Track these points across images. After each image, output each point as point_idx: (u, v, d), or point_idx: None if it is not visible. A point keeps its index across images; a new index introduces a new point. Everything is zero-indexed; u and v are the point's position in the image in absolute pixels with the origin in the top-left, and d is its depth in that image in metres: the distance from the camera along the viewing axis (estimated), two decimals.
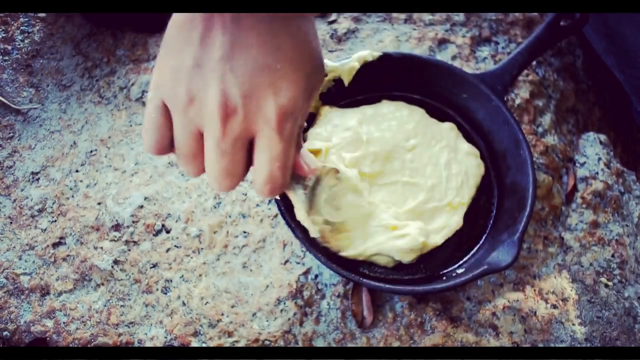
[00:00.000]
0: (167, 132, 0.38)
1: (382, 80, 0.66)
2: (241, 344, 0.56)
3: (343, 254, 0.56)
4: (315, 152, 0.61)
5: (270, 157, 0.37)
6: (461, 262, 0.59)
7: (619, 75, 0.75)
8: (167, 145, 0.38)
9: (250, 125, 0.36)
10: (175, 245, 0.62)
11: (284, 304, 0.58)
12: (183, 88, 0.35)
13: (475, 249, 0.59)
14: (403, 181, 0.61)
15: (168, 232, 0.62)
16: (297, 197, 0.47)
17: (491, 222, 0.61)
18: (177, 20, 0.38)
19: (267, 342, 0.57)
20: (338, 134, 0.61)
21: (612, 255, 0.62)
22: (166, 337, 0.57)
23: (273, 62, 0.35)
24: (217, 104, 0.35)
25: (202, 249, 0.61)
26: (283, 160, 0.37)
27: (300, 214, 0.48)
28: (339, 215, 0.55)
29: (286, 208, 0.56)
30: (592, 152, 0.70)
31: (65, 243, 0.62)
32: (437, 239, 0.58)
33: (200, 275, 0.60)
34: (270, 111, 0.35)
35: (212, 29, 0.35)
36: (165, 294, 0.59)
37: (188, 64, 0.35)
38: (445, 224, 0.59)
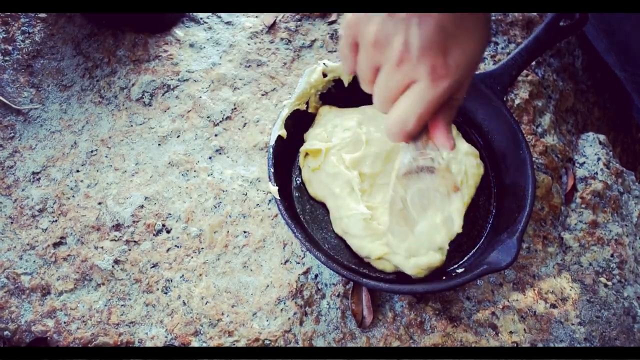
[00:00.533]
0: (355, 62, 0.45)
1: None
2: (241, 344, 0.56)
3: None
4: (315, 152, 0.61)
5: (416, 100, 0.42)
6: (461, 262, 0.59)
7: (620, 73, 0.75)
8: (355, 69, 0.46)
9: (417, 73, 0.41)
10: (175, 245, 0.62)
11: (284, 303, 0.58)
12: (373, 29, 0.42)
13: (475, 249, 0.59)
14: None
15: (168, 232, 0.62)
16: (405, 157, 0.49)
17: (491, 222, 0.61)
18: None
19: (267, 342, 0.57)
20: (338, 134, 0.62)
21: (612, 255, 0.63)
22: (166, 337, 0.57)
23: (452, 27, 0.40)
24: (398, 50, 0.40)
25: (202, 248, 0.62)
26: (423, 110, 0.42)
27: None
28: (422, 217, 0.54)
29: (286, 208, 0.56)
30: (592, 152, 0.70)
31: (65, 243, 0.62)
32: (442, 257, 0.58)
33: (200, 275, 0.60)
34: (437, 67, 0.40)
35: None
36: (166, 293, 0.59)
37: (379, 20, 0.41)
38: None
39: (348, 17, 0.45)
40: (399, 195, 0.51)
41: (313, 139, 0.62)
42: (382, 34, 0.42)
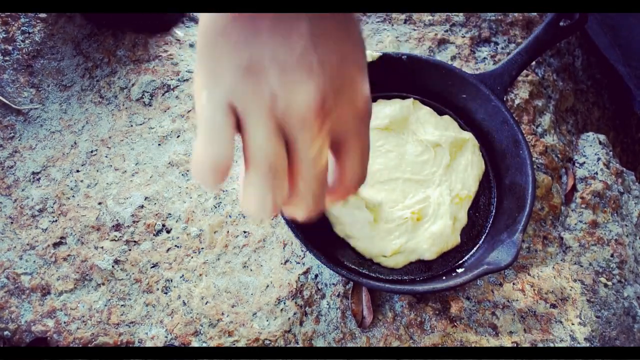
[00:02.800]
0: (232, 142, 0.30)
1: (381, 81, 0.66)
2: (241, 344, 0.57)
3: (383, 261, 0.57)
4: None
5: (362, 151, 0.34)
6: (461, 261, 0.59)
7: (623, 69, 0.74)
8: (231, 160, 0.30)
9: (342, 123, 0.32)
10: (175, 245, 0.62)
11: (284, 303, 0.58)
12: (262, 85, 0.29)
13: (475, 248, 0.59)
14: (404, 178, 0.61)
15: (168, 232, 0.62)
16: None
17: (491, 222, 0.61)
18: (219, 18, 0.30)
19: (267, 342, 0.57)
20: None
21: (612, 255, 0.63)
22: (166, 337, 0.57)
23: (353, 52, 0.32)
24: (314, 101, 0.29)
25: (202, 248, 0.62)
26: (367, 150, 0.35)
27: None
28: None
29: None
30: (592, 152, 0.71)
31: (65, 243, 0.62)
32: (457, 237, 0.59)
33: (200, 275, 0.60)
34: (361, 104, 0.32)
35: (282, 19, 0.29)
36: (166, 293, 0.59)
37: (263, 58, 0.29)
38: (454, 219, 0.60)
39: (202, 77, 0.30)
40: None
41: None
42: (276, 86, 0.29)
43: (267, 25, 0.29)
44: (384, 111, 0.64)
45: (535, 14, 0.80)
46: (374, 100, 0.66)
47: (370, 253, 0.58)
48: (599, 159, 0.69)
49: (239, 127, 0.30)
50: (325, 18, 0.30)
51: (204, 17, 0.30)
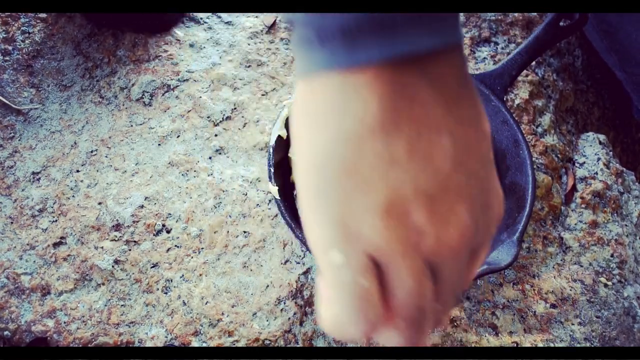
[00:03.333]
0: (381, 301, 0.25)
1: None
2: (241, 344, 0.57)
3: None
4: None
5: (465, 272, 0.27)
6: None
7: (620, 74, 0.75)
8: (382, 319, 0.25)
9: (481, 246, 0.27)
10: (175, 245, 0.62)
11: (284, 303, 0.58)
12: (408, 225, 0.23)
13: None
14: None
15: (168, 232, 0.63)
16: None
17: None
18: (336, 147, 0.23)
19: (267, 342, 0.57)
20: None
21: (612, 255, 0.63)
22: (167, 337, 0.57)
23: (489, 152, 0.26)
24: (467, 229, 0.24)
25: (202, 248, 0.62)
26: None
27: None
28: None
29: (286, 208, 0.56)
30: (592, 152, 0.71)
31: (65, 243, 0.62)
32: None
33: (200, 275, 0.60)
34: (498, 209, 0.27)
35: (422, 136, 0.23)
36: (166, 293, 0.59)
37: (405, 192, 0.23)
38: None
39: (329, 227, 0.24)
40: None
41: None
42: (425, 216, 0.23)
43: (404, 149, 0.22)
44: None
45: (535, 14, 0.80)
46: None
47: None
48: (599, 159, 0.69)
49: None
50: (467, 126, 0.24)
51: (307, 149, 0.25)
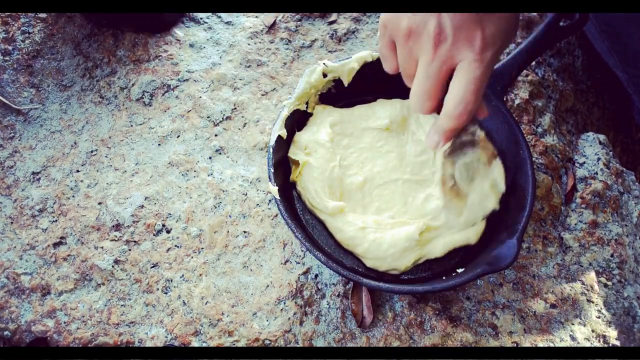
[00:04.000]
0: (395, 60, 0.47)
1: (381, 81, 0.66)
2: (241, 344, 0.57)
3: None
4: (296, 163, 0.61)
5: (468, 78, 0.42)
6: (461, 262, 0.59)
7: (621, 74, 0.75)
8: (396, 67, 0.48)
9: (457, 52, 0.42)
10: (175, 245, 0.62)
11: (284, 303, 0.58)
12: (405, 22, 0.43)
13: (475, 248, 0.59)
14: (404, 179, 0.61)
15: (168, 232, 0.62)
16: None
17: (491, 222, 0.61)
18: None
19: (267, 342, 0.57)
20: (313, 152, 0.61)
21: (612, 255, 0.63)
22: (167, 337, 0.57)
23: (474, 18, 0.41)
24: (433, 32, 0.42)
25: (202, 248, 0.62)
26: (478, 85, 0.42)
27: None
28: (467, 187, 0.56)
29: (286, 208, 0.56)
30: (592, 152, 0.70)
31: (65, 243, 0.62)
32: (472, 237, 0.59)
33: (200, 275, 0.60)
34: (477, 40, 0.41)
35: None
36: (166, 293, 0.59)
37: (409, 20, 0.43)
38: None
39: (382, 16, 0.46)
40: (448, 173, 0.54)
41: (297, 147, 0.62)
42: (414, 24, 0.43)
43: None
44: (384, 111, 0.64)
45: (535, 14, 0.80)
46: (374, 99, 0.66)
47: (380, 269, 0.58)
48: (599, 159, 0.69)
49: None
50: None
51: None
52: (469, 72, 0.42)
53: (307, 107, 0.64)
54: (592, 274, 0.61)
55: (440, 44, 0.42)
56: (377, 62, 0.64)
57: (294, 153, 0.61)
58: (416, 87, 0.45)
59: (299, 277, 0.60)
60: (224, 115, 0.70)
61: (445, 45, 0.42)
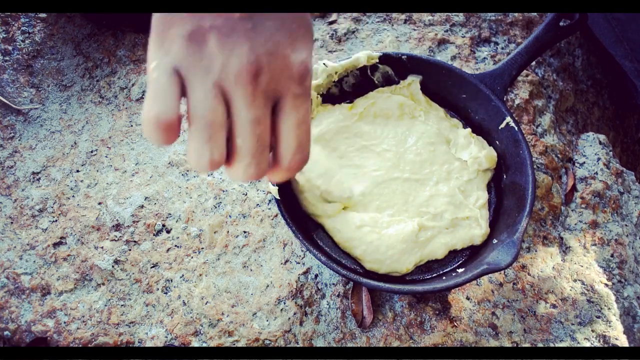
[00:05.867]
0: (177, 101, 0.33)
1: (382, 81, 0.66)
2: (241, 344, 0.57)
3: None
4: None
5: (298, 118, 0.35)
6: (461, 262, 0.59)
7: (630, 64, 0.73)
8: (176, 117, 0.33)
9: (277, 83, 0.34)
10: (175, 245, 0.62)
11: (284, 303, 0.58)
12: (202, 50, 0.33)
13: (475, 249, 0.59)
14: (404, 178, 0.61)
15: (168, 232, 0.62)
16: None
17: (490, 222, 0.61)
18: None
19: (267, 342, 0.57)
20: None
21: (612, 255, 0.63)
22: (167, 337, 0.57)
23: (289, 22, 0.34)
24: (247, 61, 0.32)
25: (202, 248, 0.62)
26: (308, 123, 0.35)
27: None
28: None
29: (286, 208, 0.56)
30: (592, 152, 0.71)
31: (65, 243, 0.62)
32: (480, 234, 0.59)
33: (200, 275, 0.60)
34: (295, 67, 0.34)
35: None
36: (166, 293, 0.59)
37: (203, 26, 0.32)
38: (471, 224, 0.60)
39: (154, 47, 0.34)
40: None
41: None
42: (216, 50, 0.32)
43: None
44: (385, 103, 0.64)
45: (535, 14, 0.80)
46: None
47: (379, 271, 0.57)
48: (599, 159, 0.69)
49: (184, 92, 0.34)
50: None
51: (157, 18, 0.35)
52: (297, 109, 0.34)
53: None
54: (592, 274, 0.61)
55: (258, 74, 0.33)
56: (377, 62, 0.64)
57: None
58: (244, 136, 0.33)
59: (299, 277, 0.60)
60: None
61: (264, 76, 0.33)
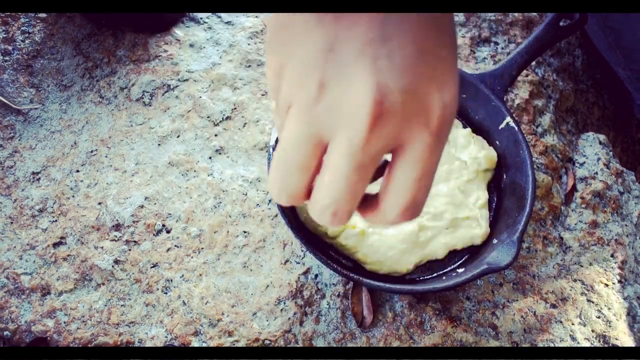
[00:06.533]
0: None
1: None
2: (241, 344, 0.57)
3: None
4: None
5: (421, 172, 0.27)
6: (461, 262, 0.59)
7: (623, 72, 0.74)
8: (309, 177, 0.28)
9: (404, 130, 0.26)
10: (175, 245, 0.62)
11: (284, 303, 0.58)
12: (313, 77, 0.26)
13: (475, 249, 0.59)
14: None
15: (168, 232, 0.62)
16: None
17: (490, 222, 0.61)
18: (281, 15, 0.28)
19: (267, 342, 0.57)
20: None
21: (612, 255, 0.63)
22: (166, 337, 0.57)
23: (436, 47, 0.26)
24: (370, 99, 0.25)
25: (202, 248, 0.62)
26: (432, 177, 0.28)
27: None
28: None
29: (286, 208, 0.56)
30: (592, 152, 0.70)
31: (65, 243, 0.62)
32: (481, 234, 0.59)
33: (200, 275, 0.60)
34: (434, 112, 0.26)
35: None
36: (166, 293, 0.59)
37: (319, 47, 0.26)
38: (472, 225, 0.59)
39: (269, 63, 0.28)
40: None
41: None
42: (328, 77, 0.26)
43: (331, 16, 0.25)
44: None
45: (535, 14, 0.80)
46: None
47: (380, 272, 0.57)
48: (599, 159, 0.69)
49: None
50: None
51: (269, 17, 0.30)
52: (423, 162, 0.27)
53: None
54: (592, 274, 0.61)
55: (382, 118, 0.25)
56: None
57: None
58: (333, 184, 0.27)
59: (299, 277, 0.60)
60: (224, 115, 0.70)
61: (391, 120, 0.25)
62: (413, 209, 0.28)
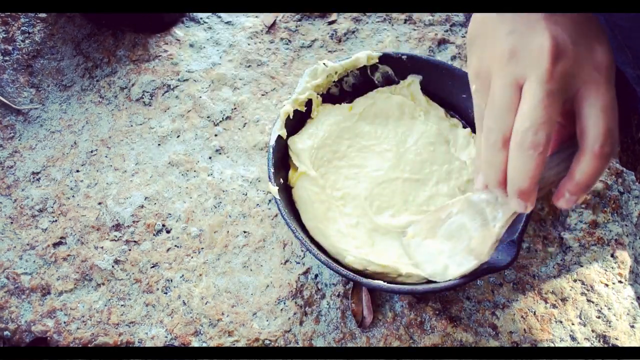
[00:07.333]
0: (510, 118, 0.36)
1: (382, 81, 0.66)
2: (241, 344, 0.57)
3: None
4: (294, 166, 0.61)
5: (605, 103, 0.34)
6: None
7: (632, 72, 0.73)
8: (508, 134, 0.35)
9: (579, 70, 0.34)
10: (175, 245, 0.62)
11: (284, 303, 0.58)
12: (504, 46, 0.36)
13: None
14: (404, 178, 0.61)
15: (168, 232, 0.63)
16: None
17: None
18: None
19: (267, 342, 0.57)
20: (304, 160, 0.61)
21: (612, 255, 0.63)
22: (166, 337, 0.57)
23: (588, 22, 0.35)
24: (548, 44, 0.34)
25: (202, 248, 0.62)
26: (616, 109, 0.35)
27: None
28: None
29: (286, 208, 0.56)
30: None
31: (65, 243, 0.62)
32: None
33: (200, 275, 0.60)
34: (600, 57, 0.35)
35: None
36: (166, 293, 0.59)
37: (505, 32, 0.36)
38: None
39: (470, 59, 0.41)
40: (451, 210, 0.52)
41: (292, 152, 0.61)
42: (517, 44, 0.35)
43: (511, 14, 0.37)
44: (385, 103, 0.64)
45: None
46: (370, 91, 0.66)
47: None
48: None
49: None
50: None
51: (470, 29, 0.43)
52: (602, 98, 0.34)
53: (306, 109, 0.64)
54: (592, 274, 0.61)
55: (559, 57, 0.33)
56: (377, 62, 0.64)
57: (291, 156, 0.61)
58: (530, 114, 0.34)
59: (299, 277, 0.60)
60: (224, 115, 0.70)
61: (566, 60, 0.34)
62: (611, 138, 0.34)
